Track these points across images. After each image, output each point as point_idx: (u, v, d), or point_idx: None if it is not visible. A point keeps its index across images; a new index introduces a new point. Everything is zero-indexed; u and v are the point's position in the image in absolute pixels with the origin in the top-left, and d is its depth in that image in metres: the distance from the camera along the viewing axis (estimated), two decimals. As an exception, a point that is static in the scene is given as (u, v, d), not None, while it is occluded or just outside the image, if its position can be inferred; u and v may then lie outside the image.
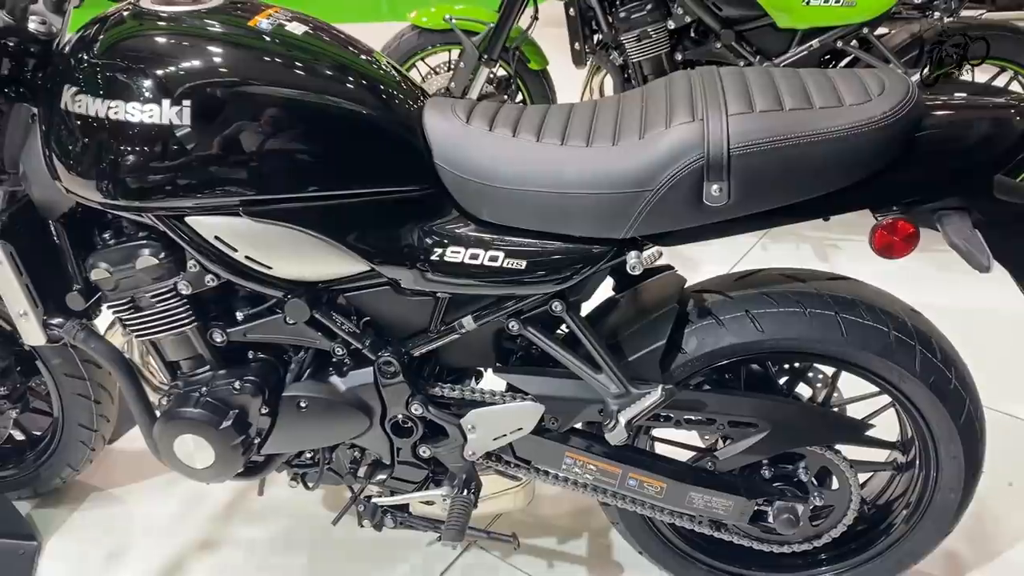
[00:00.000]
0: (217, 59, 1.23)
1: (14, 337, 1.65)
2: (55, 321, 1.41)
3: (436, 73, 2.86)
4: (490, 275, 1.30)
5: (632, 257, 1.25)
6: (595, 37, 2.68)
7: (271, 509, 1.86)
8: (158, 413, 1.45)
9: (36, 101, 1.33)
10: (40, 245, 1.40)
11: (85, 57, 1.24)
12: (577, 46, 2.60)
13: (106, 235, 1.37)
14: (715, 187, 1.17)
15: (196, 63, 1.22)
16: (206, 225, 1.27)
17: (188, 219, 1.27)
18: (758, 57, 2.57)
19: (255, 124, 1.22)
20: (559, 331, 1.44)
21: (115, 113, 1.20)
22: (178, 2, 1.31)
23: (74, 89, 1.23)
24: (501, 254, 1.29)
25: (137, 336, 1.41)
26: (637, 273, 1.26)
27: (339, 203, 1.29)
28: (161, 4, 1.29)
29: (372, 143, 1.29)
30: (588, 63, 2.67)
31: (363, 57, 1.35)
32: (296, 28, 1.31)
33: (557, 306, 1.34)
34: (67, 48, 1.30)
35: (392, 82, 1.35)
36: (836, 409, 1.51)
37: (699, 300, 1.41)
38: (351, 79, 1.30)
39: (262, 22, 1.29)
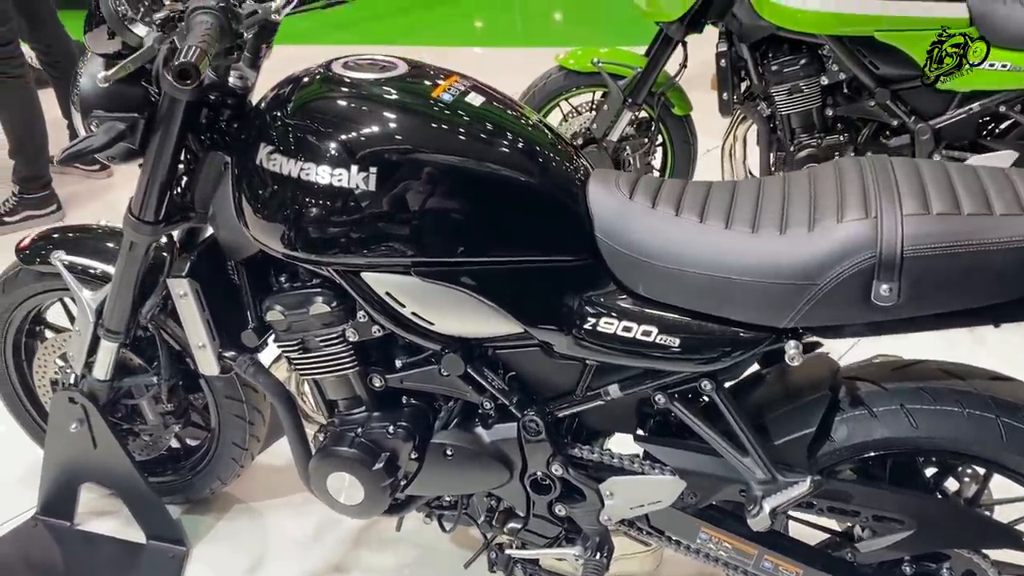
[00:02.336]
0: (402, 129, 1.30)
1: (182, 355, 1.78)
2: (228, 354, 1.52)
3: (578, 113, 2.90)
4: (642, 349, 1.33)
5: (791, 348, 1.25)
6: (743, 87, 2.66)
7: (403, 540, 1.93)
8: (313, 448, 1.53)
9: (230, 150, 1.44)
10: (222, 283, 1.51)
11: (280, 117, 1.34)
12: (725, 96, 2.60)
13: (283, 279, 1.46)
14: (885, 287, 1.15)
15: (382, 132, 1.30)
16: (378, 281, 1.35)
17: (362, 274, 1.35)
18: (912, 117, 2.50)
19: (432, 192, 1.29)
20: (702, 399, 1.45)
21: (306, 174, 1.29)
22: (365, 67, 1.39)
23: (270, 148, 1.32)
24: (655, 330, 1.31)
25: (302, 375, 1.50)
26: (795, 364, 1.26)
27: (503, 268, 1.34)
28: (350, 69, 1.38)
29: (538, 214, 1.34)
30: (735, 113, 2.66)
31: (535, 129, 1.40)
32: (475, 99, 1.37)
33: (706, 385, 1.35)
34: (263, 104, 1.40)
35: (562, 155, 1.39)
36: (985, 510, 1.46)
37: (852, 388, 1.39)
38: (523, 152, 1.35)
39: (443, 94, 1.35)
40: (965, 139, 2.53)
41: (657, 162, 2.94)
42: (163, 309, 1.63)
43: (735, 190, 1.36)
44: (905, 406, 1.34)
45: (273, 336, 1.49)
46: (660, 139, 2.89)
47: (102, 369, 1.71)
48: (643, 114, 2.86)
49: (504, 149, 1.34)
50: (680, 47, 2.69)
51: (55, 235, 1.76)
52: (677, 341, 1.31)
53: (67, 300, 1.87)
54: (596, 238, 1.34)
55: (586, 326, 1.34)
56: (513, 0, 6.59)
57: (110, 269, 1.69)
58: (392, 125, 1.30)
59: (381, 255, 1.31)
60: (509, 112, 1.41)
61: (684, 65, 2.75)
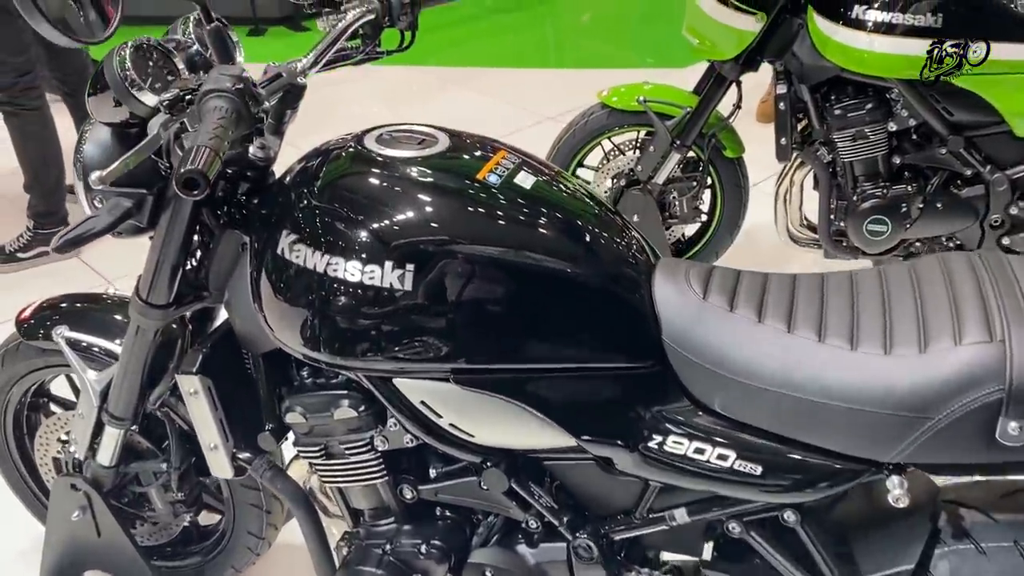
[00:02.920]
0: (442, 220, 1.14)
1: (194, 438, 1.62)
2: (243, 456, 1.35)
3: (621, 153, 2.72)
4: (716, 473, 1.15)
5: (896, 486, 1.07)
6: (801, 129, 2.47)
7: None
8: (337, 560, 1.37)
9: (248, 230, 1.28)
10: (237, 377, 1.35)
11: (305, 199, 1.18)
12: (783, 141, 2.41)
13: (305, 375, 1.30)
14: (1014, 425, 0.97)
15: (420, 223, 1.13)
16: (413, 388, 1.18)
17: (395, 379, 1.18)
18: (988, 167, 2.30)
19: (477, 291, 1.12)
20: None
21: (334, 270, 1.13)
22: (402, 141, 1.23)
23: (293, 236, 1.16)
24: (732, 454, 1.14)
25: (325, 482, 1.33)
26: (901, 506, 1.08)
27: (555, 376, 1.17)
28: (384, 144, 1.22)
29: (598, 315, 1.17)
30: (792, 158, 2.46)
31: (594, 213, 1.23)
32: (525, 180, 1.21)
33: (790, 516, 1.17)
34: (287, 180, 1.24)
35: (625, 245, 1.22)
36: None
37: (955, 516, 1.21)
38: (582, 243, 1.18)
39: (490, 175, 1.19)
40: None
41: (704, 205, 2.75)
42: (174, 393, 1.47)
43: (824, 288, 1.18)
44: (1019, 543, 1.16)
45: (293, 439, 1.33)
46: (708, 181, 2.70)
47: (107, 454, 1.55)
48: (691, 154, 2.67)
49: (559, 240, 1.17)
50: (734, 86, 2.50)
51: (59, 306, 1.61)
52: (759, 469, 1.13)
53: (72, 375, 1.72)
54: (664, 343, 1.16)
55: (651, 443, 1.16)
56: (543, 20, 6.42)
57: (117, 348, 1.53)
58: (431, 215, 1.14)
59: (417, 361, 1.15)
60: (564, 194, 1.24)
61: (738, 106, 2.57)
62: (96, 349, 1.55)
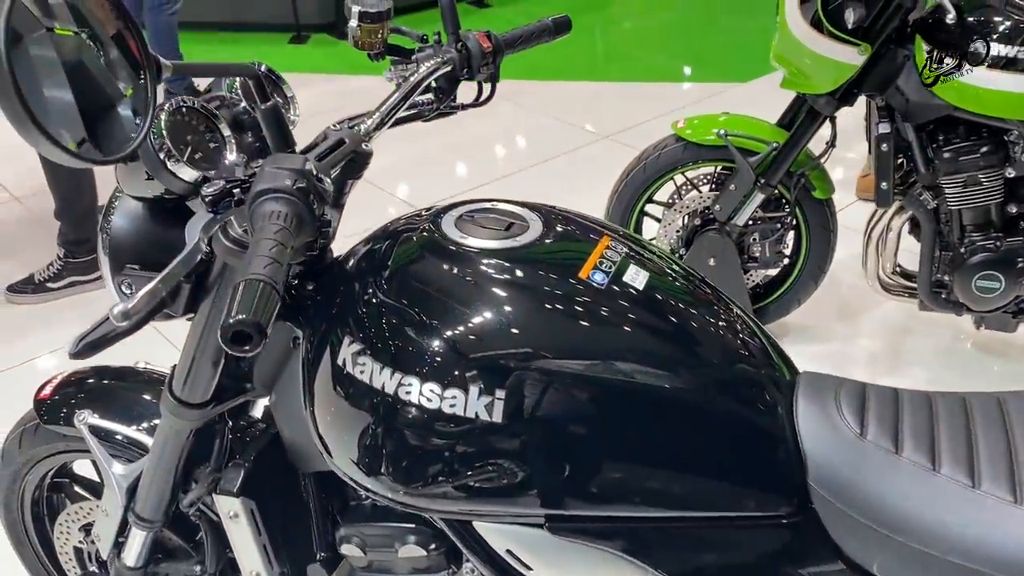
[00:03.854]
0: (542, 336, 0.92)
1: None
2: None
3: (695, 188, 2.49)
4: (874, 653, 0.93)
5: None
6: (901, 172, 2.22)
7: None
8: None
9: (300, 320, 1.07)
10: (284, 495, 1.15)
11: (372, 297, 0.97)
12: (885, 185, 2.16)
13: (365, 500, 1.10)
14: None
15: (515, 339, 0.92)
16: (497, 534, 0.97)
17: (477, 523, 0.97)
18: (1121, 222, 2.04)
19: (583, 424, 0.91)
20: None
21: (406, 392, 0.92)
22: (487, 226, 1.02)
23: (356, 346, 0.95)
24: None
25: (385, 624, 1.13)
26: None
27: (672, 525, 0.96)
28: (466, 231, 1.01)
29: (728, 452, 0.95)
30: (889, 204, 2.22)
31: (722, 318, 1.01)
32: (636, 275, 0.99)
33: None
34: (349, 266, 1.04)
35: (760, 359, 1.00)
36: None
37: None
38: (707, 359, 0.97)
39: (595, 274, 0.97)
40: None
41: (787, 248, 2.51)
42: (211, 492, 1.28)
43: (1011, 427, 0.95)
44: None
45: (348, 572, 1.13)
46: (792, 219, 2.46)
47: (132, 555, 1.36)
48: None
49: (682, 358, 0.96)
50: (828, 122, 2.26)
51: (83, 383, 1.42)
52: (929, 654, 0.90)
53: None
54: (810, 487, 0.94)
55: None
56: (592, 30, 6.17)
57: (147, 439, 1.34)
58: (528, 328, 0.93)
59: (505, 504, 0.94)
60: (683, 294, 1.02)
61: (832, 144, 2.32)
62: (123, 438, 1.36)
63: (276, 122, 0.91)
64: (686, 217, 2.49)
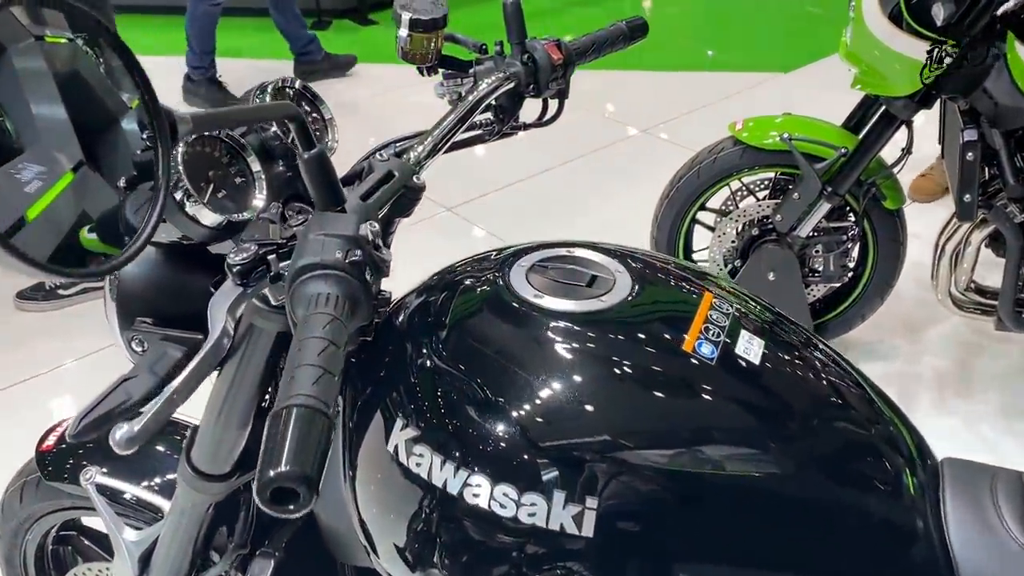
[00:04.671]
0: (643, 426, 0.75)
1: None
2: None
3: (753, 196, 2.30)
4: None
5: None
6: (984, 182, 2.03)
7: None
8: None
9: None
10: None
11: (427, 368, 0.80)
12: (968, 197, 1.96)
13: None
14: None
15: (608, 431, 0.75)
16: None
17: None
18: None
19: (693, 538, 0.74)
20: None
21: (474, 495, 0.75)
22: (564, 278, 0.85)
23: (412, 432, 0.78)
24: None
25: None
26: None
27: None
28: (539, 284, 0.83)
29: (866, 565, 0.78)
30: (973, 218, 2.02)
31: (850, 394, 0.84)
32: (749, 345, 0.81)
33: None
34: (399, 322, 0.87)
35: (897, 445, 0.82)
36: None
37: None
38: (838, 451, 0.79)
39: (701, 344, 0.79)
40: None
41: (852, 261, 2.32)
42: (234, 568, 1.12)
43: None
44: None
45: None
46: (858, 230, 2.26)
47: (147, 628, 1.21)
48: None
49: (811, 451, 0.78)
50: (904, 127, 2.06)
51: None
52: None
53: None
54: None
55: None
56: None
57: (163, 503, 1.19)
58: (626, 419, 0.76)
59: None
60: (803, 363, 0.85)
61: (908, 151, 2.12)
62: (135, 499, 1.20)
63: (322, 172, 0.74)
64: (743, 226, 2.30)
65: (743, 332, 0.83)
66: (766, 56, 4.90)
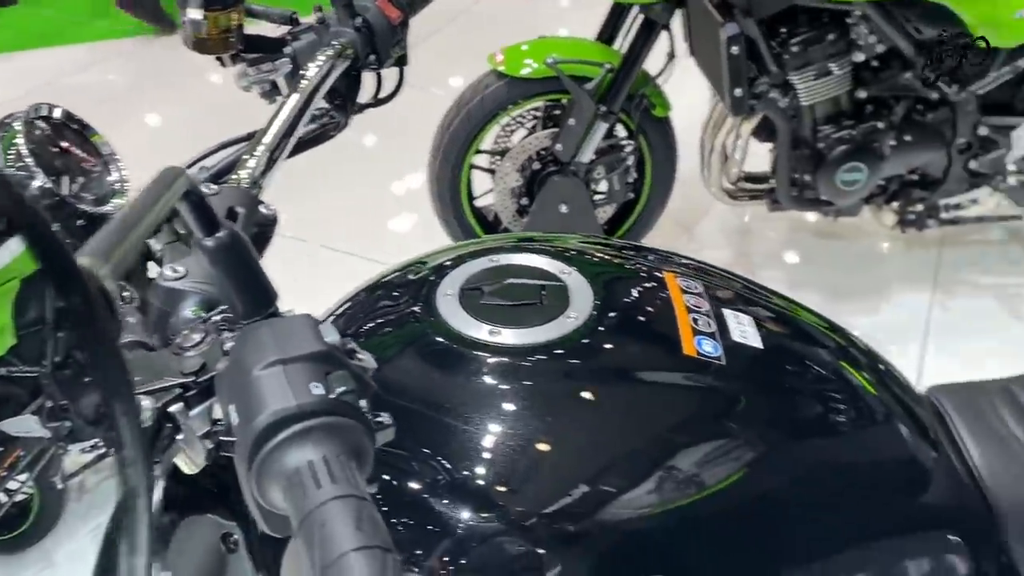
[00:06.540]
0: (688, 463, 0.61)
1: None
2: None
3: (528, 128, 2.19)
4: None
5: None
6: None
7: None
8: None
9: (234, 511, 0.67)
10: None
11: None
12: (739, 92, 1.98)
13: None
14: None
15: (654, 481, 0.59)
16: None
17: None
18: (954, 86, 2.02)
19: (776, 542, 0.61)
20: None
21: None
22: (510, 298, 0.67)
23: None
24: None
25: None
26: None
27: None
28: (481, 315, 0.65)
29: (900, 511, 0.70)
30: (748, 111, 2.05)
31: (839, 349, 0.74)
32: (744, 328, 0.69)
33: None
34: None
35: (890, 383, 0.75)
36: None
37: None
38: (854, 411, 0.70)
39: (702, 342, 0.66)
40: (1010, 104, 2.10)
41: (633, 176, 2.29)
42: None
43: None
44: None
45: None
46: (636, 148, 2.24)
47: None
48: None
49: (840, 422, 0.68)
50: (664, 32, 2.03)
51: None
52: None
53: None
54: (1008, 548, 0.72)
55: None
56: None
57: None
58: (661, 460, 0.60)
59: None
60: (790, 327, 0.74)
61: (672, 55, 2.10)
62: None
63: (239, 263, 0.48)
64: (523, 163, 2.19)
65: (726, 312, 0.69)
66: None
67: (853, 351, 0.77)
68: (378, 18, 0.79)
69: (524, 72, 2.05)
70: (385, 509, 0.59)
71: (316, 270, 2.37)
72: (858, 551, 0.67)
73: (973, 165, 2.14)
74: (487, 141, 2.20)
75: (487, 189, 2.25)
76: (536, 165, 2.18)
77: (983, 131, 2.09)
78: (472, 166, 2.21)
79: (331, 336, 0.44)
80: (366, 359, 0.46)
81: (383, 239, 2.57)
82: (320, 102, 0.80)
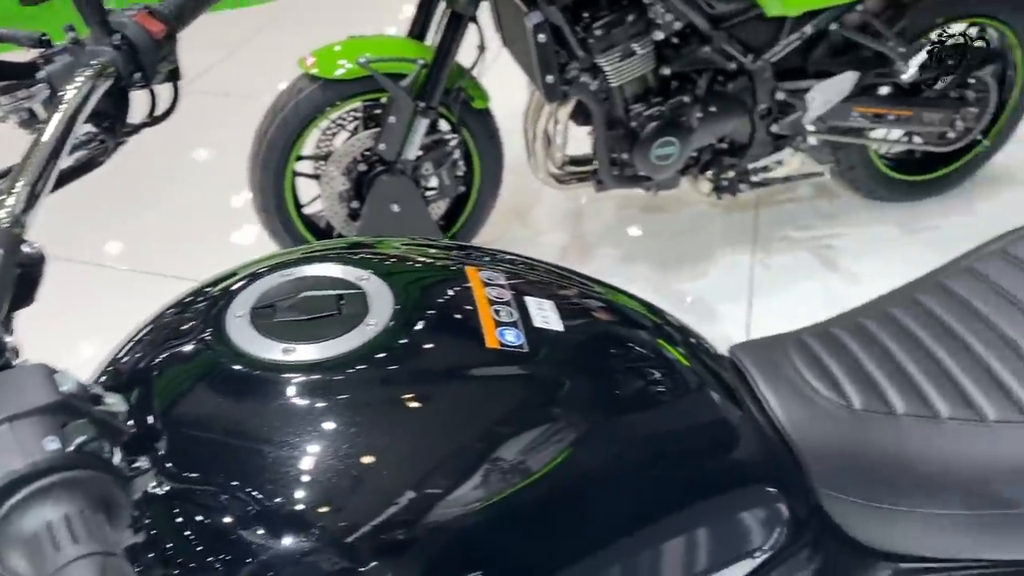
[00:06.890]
0: (502, 447, 0.62)
1: None
2: None
3: (349, 130, 2.15)
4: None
5: None
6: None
7: None
8: None
9: None
10: None
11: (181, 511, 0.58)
12: (551, 78, 2.02)
13: None
14: None
15: (464, 472, 0.60)
16: None
17: None
18: (750, 56, 2.14)
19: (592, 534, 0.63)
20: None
21: None
22: (305, 312, 0.66)
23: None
24: None
25: None
26: None
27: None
28: (272, 333, 0.64)
29: (709, 474, 0.74)
30: (561, 97, 2.09)
31: (651, 324, 0.78)
32: (545, 312, 0.71)
33: None
34: None
35: (694, 348, 0.79)
36: None
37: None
38: (657, 382, 0.73)
39: (504, 333, 0.67)
40: (802, 68, 2.24)
41: (462, 170, 2.30)
42: None
43: (915, 333, 0.85)
44: None
45: None
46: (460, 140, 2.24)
47: None
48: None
49: (643, 393, 0.71)
50: (472, 25, 2.04)
51: None
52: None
53: None
54: (818, 494, 0.77)
55: None
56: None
57: None
58: (469, 451, 0.61)
59: None
60: (600, 312, 0.76)
61: (482, 47, 2.12)
62: None
63: None
64: (348, 166, 2.15)
65: (528, 300, 0.71)
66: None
67: (659, 325, 0.80)
68: (138, 33, 0.76)
69: (338, 73, 2.02)
70: (200, 549, 0.57)
71: (135, 299, 2.25)
72: (680, 517, 0.70)
73: (775, 128, 2.28)
74: (308, 147, 2.16)
75: (315, 196, 2.21)
76: (362, 167, 2.16)
77: (780, 96, 2.22)
78: (296, 173, 2.16)
79: (67, 384, 0.42)
80: (115, 403, 0.43)
81: (207, 257, 2.47)
82: (85, 126, 0.76)
